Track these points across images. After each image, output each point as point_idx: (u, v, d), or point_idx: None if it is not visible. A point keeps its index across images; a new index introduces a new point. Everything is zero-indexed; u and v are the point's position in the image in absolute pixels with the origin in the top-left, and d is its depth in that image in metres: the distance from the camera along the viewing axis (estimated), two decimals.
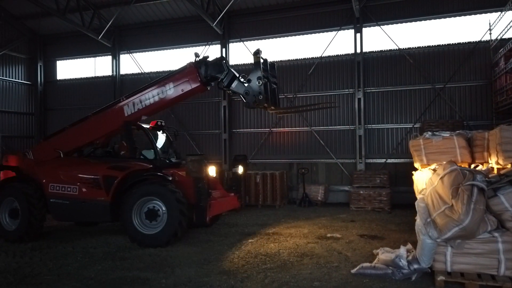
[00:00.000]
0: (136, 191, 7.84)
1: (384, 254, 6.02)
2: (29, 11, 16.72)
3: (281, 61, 15.09)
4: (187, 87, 8.37)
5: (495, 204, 5.25)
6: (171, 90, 8.42)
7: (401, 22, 13.85)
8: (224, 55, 15.62)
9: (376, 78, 13.98)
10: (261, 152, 15.30)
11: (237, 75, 8.26)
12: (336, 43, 14.42)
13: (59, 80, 18.77)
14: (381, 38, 13.88)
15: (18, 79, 18.08)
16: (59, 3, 14.64)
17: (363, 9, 13.83)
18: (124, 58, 17.51)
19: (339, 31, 14.30)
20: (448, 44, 13.26)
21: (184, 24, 16.28)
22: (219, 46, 15.76)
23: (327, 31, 14.61)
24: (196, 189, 7.66)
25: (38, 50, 18.50)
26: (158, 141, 9.51)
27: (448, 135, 7.68)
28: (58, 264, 6.65)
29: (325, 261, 6.54)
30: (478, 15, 13.05)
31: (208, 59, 8.41)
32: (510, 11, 11.06)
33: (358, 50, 13.92)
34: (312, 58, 14.79)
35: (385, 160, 13.78)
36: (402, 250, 5.75)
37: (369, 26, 14.09)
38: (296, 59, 15.03)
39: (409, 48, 13.61)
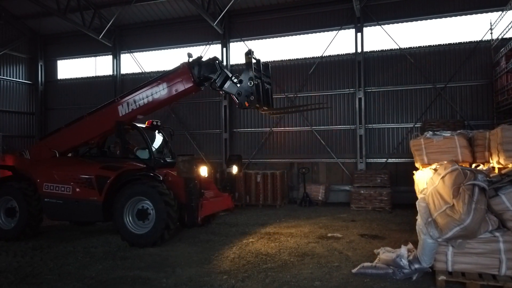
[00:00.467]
0: (126, 191, 7.88)
1: (385, 254, 6.02)
2: (29, 11, 16.73)
3: (282, 60, 15.12)
4: (180, 87, 8.37)
5: (496, 204, 5.24)
6: (164, 90, 8.42)
7: (402, 22, 13.84)
8: (224, 54, 15.64)
9: (377, 77, 13.97)
10: (261, 151, 15.30)
11: (230, 76, 8.24)
12: (336, 42, 14.41)
13: (60, 79, 18.79)
14: (382, 37, 13.87)
15: (19, 79, 18.09)
16: (60, 2, 14.64)
17: (364, 9, 13.82)
18: (125, 58, 17.52)
19: (339, 31, 14.29)
20: (449, 44, 13.25)
21: (185, 24, 16.29)
22: (219, 45, 15.76)
23: (327, 31, 14.61)
24: (187, 189, 7.65)
25: (38, 50, 18.52)
26: (153, 141, 9.52)
27: (449, 134, 7.66)
28: (58, 264, 6.66)
29: (326, 260, 6.53)
30: (479, 14, 13.03)
31: (201, 60, 8.41)
32: (511, 11, 11.04)
33: (359, 50, 13.91)
34: (313, 57, 14.78)
35: (386, 159, 13.77)
36: (403, 250, 5.74)
37: (370, 26, 14.08)
38: (297, 59, 15.02)
39: (410, 48, 13.60)
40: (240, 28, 15.60)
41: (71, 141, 9.19)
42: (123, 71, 17.49)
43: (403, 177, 12.65)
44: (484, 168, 6.56)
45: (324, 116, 14.56)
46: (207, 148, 16.07)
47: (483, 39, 12.62)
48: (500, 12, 11.59)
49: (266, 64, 8.76)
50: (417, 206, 5.99)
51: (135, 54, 17.21)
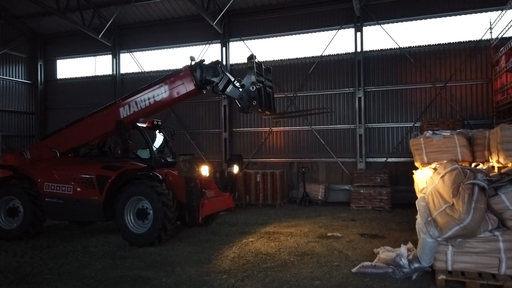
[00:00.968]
0: (126, 190, 7.89)
1: (384, 253, 6.02)
2: (29, 10, 16.72)
3: (281, 60, 15.11)
4: (182, 90, 8.35)
5: (496, 203, 5.24)
6: (166, 93, 8.42)
7: (402, 21, 13.83)
8: (224, 54, 15.64)
9: (377, 77, 13.97)
10: (261, 151, 15.30)
11: (232, 80, 8.20)
12: (336, 42, 14.41)
13: (59, 79, 18.78)
14: (381, 37, 13.86)
15: (19, 78, 18.08)
16: (60, 2, 14.63)
17: (364, 8, 13.81)
18: (124, 57, 17.50)
19: (339, 30, 14.29)
20: (449, 43, 13.25)
21: (184, 23, 16.28)
22: (219, 45, 15.75)
23: (327, 30, 14.60)
24: (188, 188, 7.64)
25: (38, 49, 18.51)
26: (154, 140, 9.51)
27: (448, 134, 7.67)
28: (58, 263, 6.65)
29: (326, 260, 6.54)
30: (478, 14, 13.03)
31: (203, 63, 8.39)
32: (510, 10, 11.03)
33: (359, 49, 13.91)
34: (313, 57, 14.78)
35: (385, 159, 13.77)
36: (403, 249, 5.74)
37: (370, 25, 14.07)
38: (297, 58, 15.01)
39: (409, 47, 13.59)
40: (239, 28, 15.59)
41: (72, 142, 9.17)
42: (123, 70, 17.48)
43: (403, 176, 12.64)
44: (484, 167, 6.57)
45: (323, 116, 14.54)
46: (207, 148, 16.08)
47: (483, 38, 12.62)
48: (500, 12, 11.58)
49: (268, 68, 8.75)
50: (416, 205, 5.99)
51: (134, 53, 17.20)
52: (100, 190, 8.20)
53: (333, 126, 14.44)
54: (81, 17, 15.43)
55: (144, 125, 9.35)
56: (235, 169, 9.59)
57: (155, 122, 9.64)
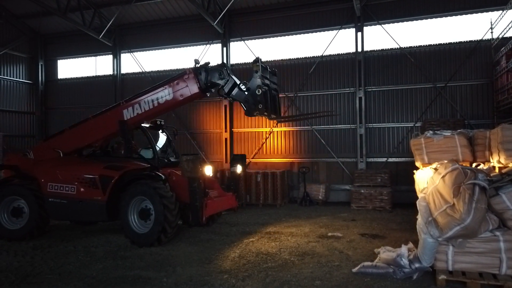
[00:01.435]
0: (130, 190, 7.89)
1: (385, 253, 6.02)
2: (30, 10, 16.73)
3: (282, 60, 15.11)
4: (186, 93, 8.31)
5: (496, 203, 5.24)
6: (170, 96, 8.37)
7: (402, 21, 13.82)
8: (225, 54, 15.63)
9: (377, 77, 13.96)
10: (262, 151, 15.30)
11: (238, 82, 8.16)
12: (337, 42, 14.41)
13: (60, 79, 18.79)
14: (382, 37, 13.86)
15: (19, 78, 18.09)
16: (60, 2, 14.63)
17: (364, 8, 13.81)
18: (125, 57, 17.51)
19: (340, 30, 14.29)
20: (450, 43, 13.24)
21: (185, 23, 16.28)
22: (220, 45, 15.75)
23: (328, 30, 14.60)
24: (191, 188, 7.62)
25: (39, 49, 18.52)
26: (157, 140, 9.51)
27: (449, 134, 7.66)
28: (59, 263, 6.66)
29: (326, 260, 6.54)
30: (479, 14, 13.02)
31: (208, 65, 8.35)
32: (511, 10, 11.04)
33: (359, 49, 13.91)
34: (313, 57, 14.77)
35: (386, 159, 13.76)
36: (404, 249, 5.74)
37: (370, 25, 14.07)
38: (297, 58, 15.01)
39: (410, 47, 13.59)
40: (240, 28, 15.59)
41: (75, 143, 9.15)
42: (123, 70, 17.49)
43: (404, 176, 12.65)
44: (485, 167, 6.56)
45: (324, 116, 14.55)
46: (208, 148, 16.08)
47: (484, 38, 12.61)
48: (501, 12, 11.59)
49: (273, 71, 8.71)
50: (417, 205, 5.99)
51: (135, 53, 17.21)
52: (103, 190, 8.20)
53: (334, 126, 14.44)
54: (82, 17, 15.44)
55: (147, 125, 9.35)
56: (239, 169, 9.59)
57: (158, 122, 9.63)
